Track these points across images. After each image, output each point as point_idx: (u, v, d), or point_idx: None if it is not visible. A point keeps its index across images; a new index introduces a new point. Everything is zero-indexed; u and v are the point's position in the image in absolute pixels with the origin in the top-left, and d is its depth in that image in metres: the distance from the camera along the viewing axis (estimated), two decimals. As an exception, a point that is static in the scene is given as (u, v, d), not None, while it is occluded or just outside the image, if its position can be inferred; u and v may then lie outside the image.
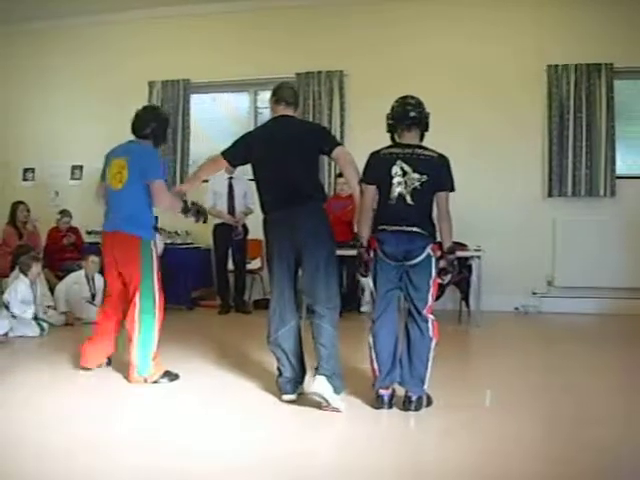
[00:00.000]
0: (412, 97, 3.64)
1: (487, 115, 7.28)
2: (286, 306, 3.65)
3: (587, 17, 7.15)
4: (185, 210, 4.12)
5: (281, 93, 3.77)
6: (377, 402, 3.52)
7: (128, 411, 3.59)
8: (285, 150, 3.60)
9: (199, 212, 4.17)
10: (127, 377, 4.06)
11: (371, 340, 3.56)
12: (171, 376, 4.10)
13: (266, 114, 8.11)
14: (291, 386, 3.64)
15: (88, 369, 4.24)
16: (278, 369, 3.70)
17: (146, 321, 4.02)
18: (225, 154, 3.81)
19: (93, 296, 6.58)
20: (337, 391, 3.49)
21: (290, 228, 3.57)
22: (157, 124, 4.22)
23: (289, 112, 3.75)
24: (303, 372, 3.72)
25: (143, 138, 4.19)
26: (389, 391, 3.52)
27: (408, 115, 3.56)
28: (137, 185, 4.02)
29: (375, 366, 3.53)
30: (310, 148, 3.66)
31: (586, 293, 7.05)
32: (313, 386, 3.47)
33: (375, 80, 7.45)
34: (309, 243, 3.57)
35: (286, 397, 3.64)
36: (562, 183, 7.17)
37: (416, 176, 3.48)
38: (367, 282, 3.63)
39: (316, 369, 3.53)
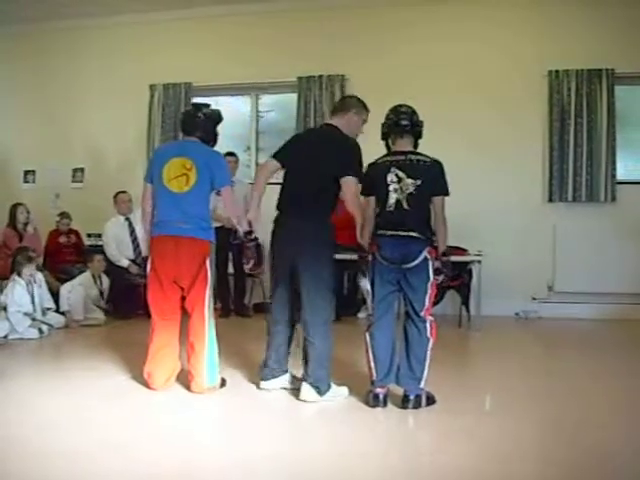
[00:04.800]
0: (405, 106, 3.73)
1: (488, 120, 7.29)
2: (285, 306, 3.85)
3: (588, 22, 7.16)
4: (248, 235, 3.92)
5: (337, 105, 4.00)
6: (373, 400, 3.59)
7: (126, 412, 3.56)
8: (314, 159, 3.74)
9: (258, 251, 3.99)
10: (190, 388, 3.85)
11: (369, 341, 3.63)
12: (223, 382, 3.98)
13: (267, 118, 8.15)
14: (272, 375, 3.88)
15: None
16: (266, 358, 3.90)
17: (211, 330, 3.87)
18: (276, 156, 3.87)
19: (102, 293, 6.65)
20: (322, 393, 3.68)
21: (295, 235, 3.69)
22: (210, 122, 4.02)
23: (333, 120, 3.91)
24: (287, 367, 3.94)
25: (195, 137, 3.97)
26: (384, 390, 3.61)
27: (400, 123, 3.65)
28: (205, 188, 3.85)
29: (372, 366, 3.60)
30: (332, 164, 3.74)
31: (586, 299, 7.03)
32: (302, 394, 3.68)
33: (376, 84, 7.44)
34: (309, 267, 3.67)
35: (264, 384, 3.88)
36: (563, 188, 7.17)
37: (410, 181, 3.55)
38: (366, 286, 3.70)
39: (303, 376, 3.73)
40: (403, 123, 3.64)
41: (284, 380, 3.92)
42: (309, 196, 3.71)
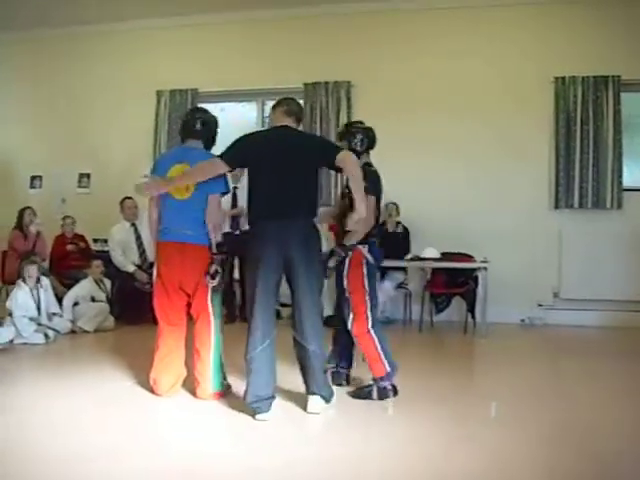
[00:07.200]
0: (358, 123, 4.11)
1: (494, 126, 7.27)
2: (268, 322, 3.54)
3: (594, 29, 7.15)
4: (219, 246, 3.84)
5: (293, 107, 3.73)
6: (388, 393, 3.79)
7: (131, 418, 3.57)
8: (283, 161, 3.54)
9: (223, 267, 3.82)
10: (196, 394, 3.85)
11: (376, 340, 3.81)
12: (229, 388, 3.96)
13: (273, 124, 8.15)
14: (266, 405, 3.46)
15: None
16: (255, 387, 3.48)
17: (218, 336, 3.86)
18: (222, 156, 3.66)
19: (107, 297, 6.66)
20: (328, 400, 3.64)
21: (281, 243, 3.48)
22: (208, 126, 4.02)
23: (289, 123, 3.69)
24: (274, 387, 3.58)
25: (195, 142, 3.98)
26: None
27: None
28: (203, 194, 3.81)
29: (384, 360, 3.79)
30: (310, 161, 3.60)
31: (592, 305, 7.01)
32: (309, 407, 3.58)
33: (382, 91, 7.47)
34: (301, 268, 3.51)
35: (261, 416, 3.44)
36: (569, 195, 7.15)
37: None
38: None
39: (307, 388, 3.63)
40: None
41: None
42: (295, 194, 3.52)
